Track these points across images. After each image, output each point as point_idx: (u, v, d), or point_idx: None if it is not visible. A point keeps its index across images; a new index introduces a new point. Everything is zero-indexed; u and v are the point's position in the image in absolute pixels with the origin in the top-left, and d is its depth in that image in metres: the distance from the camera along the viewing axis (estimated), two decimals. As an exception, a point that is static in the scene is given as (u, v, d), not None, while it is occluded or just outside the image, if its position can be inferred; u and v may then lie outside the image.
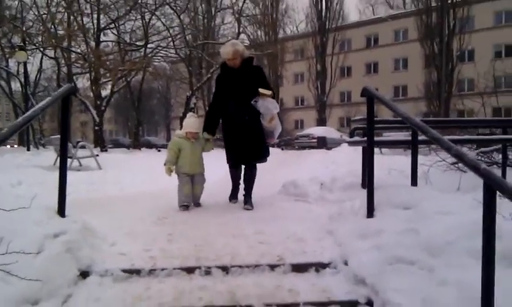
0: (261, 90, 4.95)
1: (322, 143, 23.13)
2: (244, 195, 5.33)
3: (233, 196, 5.60)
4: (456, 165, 5.85)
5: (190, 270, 3.27)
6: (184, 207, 5.13)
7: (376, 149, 13.11)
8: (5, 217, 2.84)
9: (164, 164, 5.19)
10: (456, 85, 32.65)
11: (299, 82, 48.43)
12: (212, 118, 5.44)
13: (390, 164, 6.81)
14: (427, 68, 35.08)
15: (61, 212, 3.61)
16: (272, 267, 3.29)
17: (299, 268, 3.31)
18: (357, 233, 3.45)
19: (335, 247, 3.56)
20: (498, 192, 1.96)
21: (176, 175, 5.27)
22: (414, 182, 4.19)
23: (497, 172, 5.80)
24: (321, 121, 39.03)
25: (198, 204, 5.34)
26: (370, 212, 3.65)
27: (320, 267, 3.34)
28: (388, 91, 45.35)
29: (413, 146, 4.22)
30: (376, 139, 4.08)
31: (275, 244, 3.66)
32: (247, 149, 5.15)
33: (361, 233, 3.41)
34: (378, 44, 47.70)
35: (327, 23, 39.88)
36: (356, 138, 5.55)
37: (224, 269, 3.30)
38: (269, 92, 4.98)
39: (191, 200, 5.23)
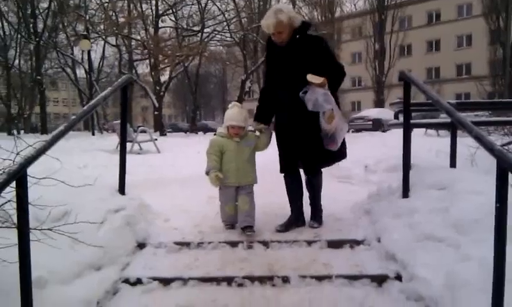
0: (309, 77, 3.42)
1: (378, 125, 22.70)
2: (311, 207, 4.00)
3: (285, 224, 3.89)
4: (506, 147, 5.77)
5: (234, 244, 3.61)
6: (229, 226, 3.97)
7: (433, 132, 12.91)
8: (74, 193, 3.27)
9: (206, 173, 3.84)
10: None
11: (357, 62, 47.34)
12: (263, 105, 3.98)
13: (441, 146, 6.78)
14: (492, 44, 33.30)
15: (121, 190, 4.08)
16: (309, 243, 3.56)
17: (334, 244, 3.56)
18: (391, 212, 3.63)
19: (370, 225, 3.77)
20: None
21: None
22: (453, 164, 4.27)
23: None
24: (379, 103, 38.10)
25: (248, 228, 3.72)
26: (406, 192, 3.80)
27: (354, 243, 3.58)
28: (449, 70, 43.66)
29: (451, 129, 4.29)
30: (414, 121, 4.19)
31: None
32: (305, 152, 3.73)
33: (395, 212, 3.59)
34: (440, 20, 45.70)
35: (386, -1, 38.71)
36: (396, 121, 5.61)
37: (265, 244, 3.62)
38: (319, 79, 3.41)
39: (236, 218, 3.91)
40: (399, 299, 2.89)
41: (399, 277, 3.06)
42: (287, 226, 3.84)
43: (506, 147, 5.92)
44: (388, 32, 38.49)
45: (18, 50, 31.71)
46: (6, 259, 2.34)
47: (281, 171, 3.92)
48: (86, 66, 28.92)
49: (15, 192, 2.22)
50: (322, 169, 3.92)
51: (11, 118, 31.88)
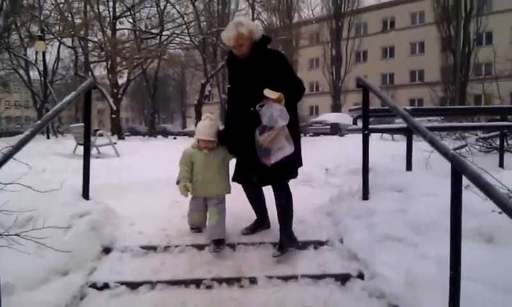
0: (266, 92, 3.35)
1: (336, 130, 23.24)
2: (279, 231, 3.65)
3: (250, 227, 3.95)
4: (458, 151, 6.09)
5: (200, 247, 3.66)
6: (195, 230, 3.97)
7: (389, 136, 13.37)
8: (38, 199, 3.22)
9: (177, 183, 3.81)
10: (472, 69, 32.27)
11: (314, 67, 48.13)
12: (228, 129, 3.86)
13: (397, 150, 7.05)
14: (443, 51, 34.66)
15: (86, 194, 4.04)
16: (275, 245, 3.64)
17: (299, 245, 3.65)
18: (352, 213, 3.79)
19: (332, 226, 3.92)
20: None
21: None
22: (409, 167, 4.48)
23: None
24: (336, 107, 39.00)
25: (218, 243, 3.63)
26: (365, 195, 3.97)
27: (318, 244, 3.71)
28: (403, 76, 45.12)
29: (407, 134, 4.50)
30: (371, 126, 4.37)
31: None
32: (259, 165, 3.49)
33: (356, 214, 3.76)
34: (395, 27, 47.12)
35: (343, 6, 39.63)
36: (354, 126, 5.81)
37: (232, 246, 3.69)
38: (276, 94, 3.33)
39: (203, 225, 3.95)
40: (362, 297, 3.03)
41: (361, 276, 3.20)
42: (252, 230, 3.90)
43: (458, 151, 6.26)
44: (344, 39, 39.48)
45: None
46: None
47: (233, 179, 3.83)
48: (40, 68, 27.99)
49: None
50: (289, 189, 3.69)
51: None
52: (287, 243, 3.53)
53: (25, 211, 3.04)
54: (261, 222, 3.98)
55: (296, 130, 3.58)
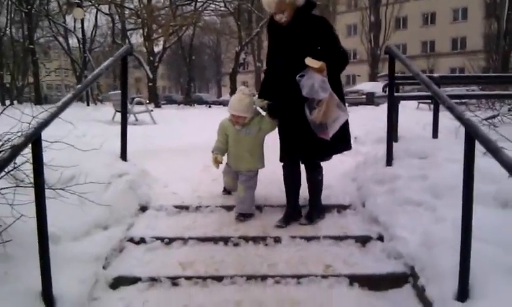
0: (307, 60, 3.19)
1: (372, 99, 22.91)
2: (309, 207, 3.76)
3: (283, 219, 3.67)
4: (489, 121, 6.04)
5: (229, 208, 3.90)
6: (225, 192, 4.22)
7: (426, 106, 13.15)
8: (80, 158, 3.51)
9: (212, 152, 3.89)
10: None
11: (352, 34, 47.06)
12: (267, 83, 3.79)
13: (430, 120, 7.03)
14: (487, 18, 33.22)
15: (124, 156, 4.34)
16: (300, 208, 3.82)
17: (323, 209, 3.82)
18: (376, 179, 3.92)
19: (356, 191, 4.07)
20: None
21: None
22: (435, 134, 4.54)
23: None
24: (374, 76, 38.17)
25: (242, 217, 3.73)
26: (389, 161, 4.07)
27: (341, 208, 3.89)
28: (444, 44, 43.61)
29: (434, 102, 4.53)
30: (397, 94, 4.41)
31: (305, 188, 3.97)
32: (304, 142, 3.44)
33: (378, 179, 3.89)
34: (437, -9, 45.39)
35: (382, -31, 38.39)
36: (384, 93, 5.83)
37: (259, 208, 3.90)
38: (318, 64, 3.17)
39: (234, 188, 4.01)
40: (380, 258, 3.20)
41: (380, 238, 3.36)
42: (286, 222, 3.64)
43: (490, 121, 6.20)
44: (383, 4, 38.28)
45: (9, 18, 31.21)
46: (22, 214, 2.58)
47: (281, 160, 3.68)
48: (79, 35, 28.69)
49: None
50: (322, 166, 3.69)
51: (5, 87, 31.70)
52: (316, 214, 3.66)
53: (71, 166, 3.34)
54: (293, 214, 3.73)
55: (343, 99, 3.46)
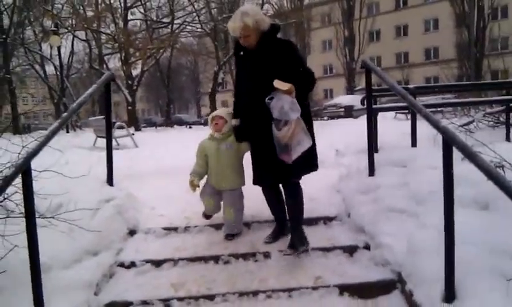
0: (276, 83, 3.17)
1: (350, 112, 23.26)
2: (290, 230, 3.56)
3: (272, 235, 3.74)
4: (465, 127, 6.23)
5: (218, 227, 3.95)
6: (206, 216, 4.05)
7: (403, 116, 13.42)
8: (67, 186, 3.53)
9: (190, 174, 3.87)
10: (488, 44, 31.73)
11: (327, 49, 47.84)
12: (237, 110, 3.76)
13: (408, 129, 7.20)
14: (458, 27, 34.16)
15: (110, 181, 4.37)
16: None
17: (310, 221, 3.91)
18: (359, 189, 4.03)
19: (341, 203, 4.17)
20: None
21: None
22: (414, 144, 4.68)
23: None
24: (350, 90, 38.64)
25: (230, 237, 3.77)
26: (372, 171, 4.20)
27: (328, 219, 3.98)
28: (418, 55, 44.59)
29: (411, 112, 4.68)
30: (375, 106, 4.55)
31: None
32: (274, 164, 3.35)
33: (362, 189, 4.00)
34: (407, 5, 46.46)
35: (353, -15, 39.18)
36: (362, 106, 5.99)
37: (247, 225, 3.95)
38: (286, 86, 3.16)
39: (212, 212, 4.01)
40: (369, 266, 3.28)
41: (367, 247, 3.45)
42: (274, 238, 3.71)
43: (466, 127, 6.40)
44: (356, 19, 39.00)
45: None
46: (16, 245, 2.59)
47: (253, 183, 3.64)
48: (56, 63, 28.52)
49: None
50: (301, 185, 3.58)
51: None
52: (298, 242, 3.38)
53: (60, 194, 3.37)
54: (281, 229, 3.77)
55: (310, 122, 3.47)
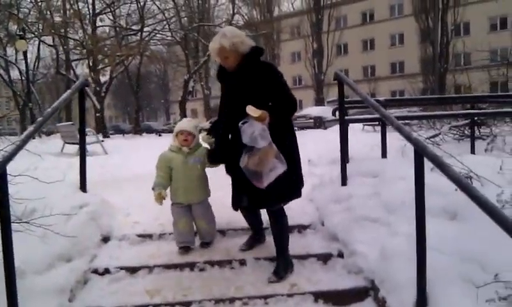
0: (248, 109, 3.08)
1: (319, 123, 23.60)
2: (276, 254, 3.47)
3: (248, 242, 3.79)
4: (432, 140, 6.45)
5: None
6: (183, 250, 3.69)
7: (370, 128, 13.72)
8: (40, 192, 3.47)
9: (152, 189, 3.65)
10: (452, 59, 32.81)
11: (296, 61, 48.39)
12: (219, 122, 3.64)
13: (376, 141, 7.38)
14: (422, 43, 35.19)
15: (83, 187, 4.30)
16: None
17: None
18: (332, 198, 4.12)
19: (314, 211, 4.25)
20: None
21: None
22: (384, 155, 4.83)
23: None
24: (319, 101, 39.18)
25: (205, 245, 3.78)
26: (344, 181, 4.30)
27: (302, 228, 4.04)
28: (384, 68, 45.75)
29: (382, 123, 4.83)
30: (347, 117, 4.67)
31: (265, 213, 4.06)
32: (251, 189, 3.22)
33: (335, 199, 4.09)
34: (374, 20, 47.64)
35: (322, -1, 39.85)
36: (333, 117, 6.12)
37: (222, 232, 3.97)
38: (257, 112, 3.07)
39: (191, 237, 3.75)
40: (342, 273, 3.36)
41: (341, 255, 3.53)
42: (249, 246, 3.75)
43: (432, 139, 6.63)
44: (325, 32, 39.63)
45: None
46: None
47: (232, 205, 3.56)
48: (22, 67, 27.78)
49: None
50: (284, 212, 3.49)
51: None
52: (283, 270, 3.35)
53: (36, 199, 3.33)
54: (257, 238, 3.83)
55: (292, 147, 3.38)
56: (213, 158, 3.62)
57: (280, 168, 3.14)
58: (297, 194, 3.49)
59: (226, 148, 3.44)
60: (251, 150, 3.08)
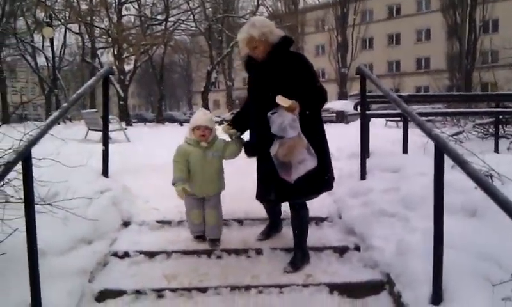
0: (278, 99, 3.03)
1: (342, 117, 23.43)
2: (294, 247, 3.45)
3: (264, 232, 3.82)
4: (455, 137, 6.36)
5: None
6: (199, 239, 3.73)
7: (394, 124, 13.58)
8: (63, 176, 3.56)
9: (173, 184, 3.57)
10: (479, 57, 32.11)
11: (320, 54, 47.94)
12: (242, 113, 3.71)
13: (398, 137, 7.30)
14: (449, 39, 34.55)
15: (105, 173, 4.40)
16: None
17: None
18: (351, 192, 4.12)
19: (332, 204, 4.24)
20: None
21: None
22: (405, 150, 4.79)
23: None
24: (342, 95, 38.82)
25: (213, 242, 3.64)
26: (363, 175, 4.29)
27: (319, 220, 4.04)
28: (409, 64, 45.06)
29: (403, 119, 4.78)
30: (369, 112, 4.64)
31: (284, 204, 4.00)
32: (278, 181, 3.17)
33: (354, 192, 4.09)
34: (400, 14, 46.89)
35: (348, -8, 39.36)
36: (355, 111, 6.08)
37: (240, 222, 4.01)
38: (287, 102, 3.01)
39: (204, 227, 3.71)
40: (358, 267, 3.36)
41: (357, 248, 3.53)
42: (266, 235, 3.78)
43: (455, 137, 6.53)
44: (350, 25, 39.19)
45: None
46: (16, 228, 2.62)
47: (256, 197, 3.52)
48: (48, 54, 28.31)
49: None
50: (307, 207, 3.45)
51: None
52: (300, 259, 3.37)
53: (56, 182, 3.43)
54: (274, 227, 3.86)
55: (322, 139, 3.34)
56: (252, 152, 3.54)
57: (310, 162, 3.09)
58: (328, 187, 3.46)
59: (258, 137, 3.39)
60: (282, 138, 3.04)
